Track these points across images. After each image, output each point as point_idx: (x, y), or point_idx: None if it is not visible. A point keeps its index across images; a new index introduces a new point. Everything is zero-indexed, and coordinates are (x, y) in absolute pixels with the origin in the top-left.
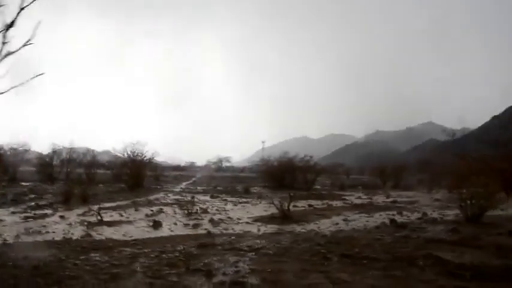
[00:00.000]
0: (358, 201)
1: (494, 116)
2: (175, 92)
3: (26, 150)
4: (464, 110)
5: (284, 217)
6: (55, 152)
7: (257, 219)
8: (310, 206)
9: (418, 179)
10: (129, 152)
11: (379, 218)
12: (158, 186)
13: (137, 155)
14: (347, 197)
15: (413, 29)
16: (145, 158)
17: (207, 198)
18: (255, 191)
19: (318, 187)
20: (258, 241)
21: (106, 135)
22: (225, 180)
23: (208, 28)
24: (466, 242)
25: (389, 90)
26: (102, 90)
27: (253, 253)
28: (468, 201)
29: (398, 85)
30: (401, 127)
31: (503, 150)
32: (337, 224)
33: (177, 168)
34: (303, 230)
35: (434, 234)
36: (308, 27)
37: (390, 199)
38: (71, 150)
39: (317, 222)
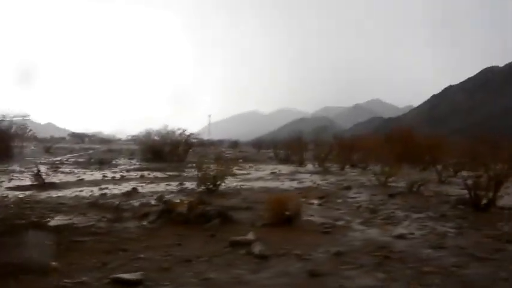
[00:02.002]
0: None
1: (434, 94)
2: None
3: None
4: (408, 90)
5: None
6: None
7: None
8: None
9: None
10: None
11: None
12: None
13: None
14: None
15: (367, 12)
16: None
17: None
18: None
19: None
20: None
21: None
22: (101, 153)
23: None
24: None
25: (341, 68)
26: None
27: None
28: None
29: (349, 63)
30: (350, 104)
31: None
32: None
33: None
34: None
35: None
36: (259, 3)
37: None
38: None
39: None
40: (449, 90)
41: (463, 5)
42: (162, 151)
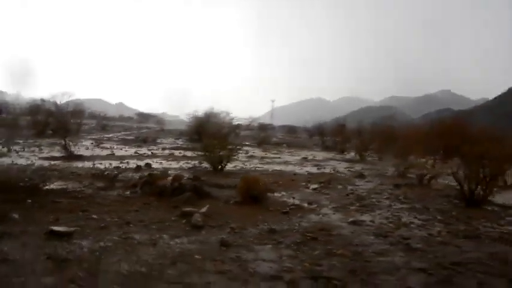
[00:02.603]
0: None
1: (511, 87)
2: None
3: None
4: (483, 81)
5: None
6: None
7: None
8: None
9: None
10: None
11: None
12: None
13: None
14: None
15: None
16: None
17: None
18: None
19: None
20: None
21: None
22: (154, 132)
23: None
24: None
25: (411, 58)
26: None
27: None
28: None
29: (419, 54)
30: (419, 94)
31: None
32: None
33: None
34: None
35: None
36: None
37: None
38: None
39: None
40: None
41: None
42: (205, 132)
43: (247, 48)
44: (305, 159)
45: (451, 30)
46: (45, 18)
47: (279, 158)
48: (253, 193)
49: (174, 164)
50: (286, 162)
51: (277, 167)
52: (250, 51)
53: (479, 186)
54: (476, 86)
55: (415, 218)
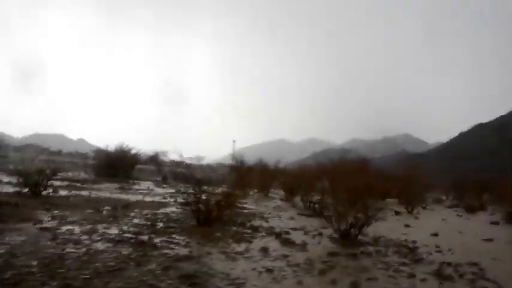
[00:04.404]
0: None
1: (461, 132)
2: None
3: None
4: (438, 126)
5: None
6: None
7: None
8: None
9: None
10: None
11: None
12: None
13: None
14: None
15: (393, 46)
16: None
17: None
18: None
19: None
20: None
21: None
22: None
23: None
24: None
25: (369, 102)
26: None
27: None
28: None
29: (378, 97)
30: (379, 137)
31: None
32: None
33: None
34: None
35: None
36: (288, 33)
37: None
38: None
39: None
40: (478, 128)
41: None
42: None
43: (210, 87)
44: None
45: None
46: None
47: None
48: None
49: None
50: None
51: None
52: (214, 90)
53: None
54: (435, 130)
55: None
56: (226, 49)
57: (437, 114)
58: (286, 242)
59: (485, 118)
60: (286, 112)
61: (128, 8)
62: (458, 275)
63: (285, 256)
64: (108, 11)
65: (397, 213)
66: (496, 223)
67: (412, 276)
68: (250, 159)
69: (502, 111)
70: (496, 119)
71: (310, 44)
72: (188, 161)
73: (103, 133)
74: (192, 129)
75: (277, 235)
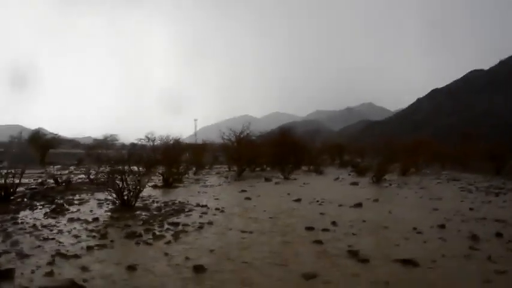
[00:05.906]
0: None
1: (418, 98)
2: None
3: None
4: (401, 93)
5: None
6: None
7: None
8: None
9: None
10: None
11: None
12: None
13: None
14: None
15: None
16: None
17: None
18: None
19: None
20: None
21: None
22: None
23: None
24: None
25: (334, 73)
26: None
27: None
28: None
29: (342, 69)
30: (342, 107)
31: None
32: None
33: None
34: None
35: None
36: (254, 6)
37: None
38: None
39: None
40: (434, 93)
41: (453, 9)
42: None
43: (171, 68)
44: None
45: (382, 40)
46: None
47: None
48: None
49: None
50: None
51: None
52: (176, 70)
53: None
54: (395, 98)
55: None
56: (185, 27)
57: (399, 85)
58: None
59: (440, 84)
60: (251, 89)
61: None
62: None
63: None
64: None
65: (267, 179)
66: (356, 184)
67: None
68: (217, 135)
69: (456, 77)
70: (450, 84)
71: (273, 20)
72: (140, 143)
73: (64, 121)
74: (154, 111)
75: None
